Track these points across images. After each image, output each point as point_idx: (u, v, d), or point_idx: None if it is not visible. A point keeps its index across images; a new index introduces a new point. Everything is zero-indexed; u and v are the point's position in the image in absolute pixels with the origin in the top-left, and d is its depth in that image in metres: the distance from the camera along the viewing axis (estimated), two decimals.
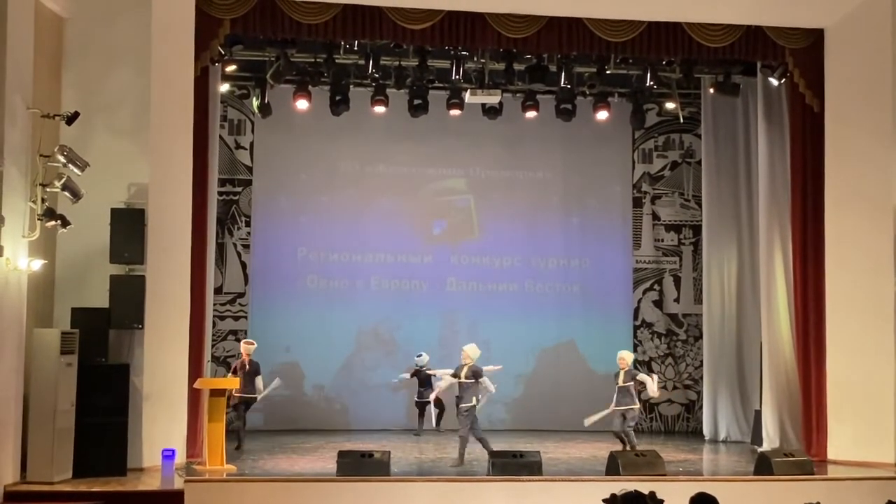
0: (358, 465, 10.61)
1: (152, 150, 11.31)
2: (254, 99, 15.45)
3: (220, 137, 14.92)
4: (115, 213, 10.98)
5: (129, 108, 11.32)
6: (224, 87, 14.50)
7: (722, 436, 15.54)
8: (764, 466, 11.26)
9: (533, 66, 14.81)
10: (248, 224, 16.28)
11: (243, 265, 16.22)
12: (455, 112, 15.37)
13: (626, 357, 12.97)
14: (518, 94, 15.73)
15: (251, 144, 16.38)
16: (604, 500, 6.00)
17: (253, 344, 13.80)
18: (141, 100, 11.30)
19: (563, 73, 14.72)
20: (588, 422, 12.89)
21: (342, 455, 10.81)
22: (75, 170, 10.11)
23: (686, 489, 6.57)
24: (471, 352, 12.55)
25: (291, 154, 16.38)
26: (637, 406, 12.84)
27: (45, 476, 9.87)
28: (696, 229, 16.99)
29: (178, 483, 10.17)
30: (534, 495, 10.42)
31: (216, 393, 11.46)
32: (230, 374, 13.47)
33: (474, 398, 12.25)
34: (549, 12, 12.72)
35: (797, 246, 13.37)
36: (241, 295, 16.16)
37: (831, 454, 12.65)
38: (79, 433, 10.32)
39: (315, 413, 16.16)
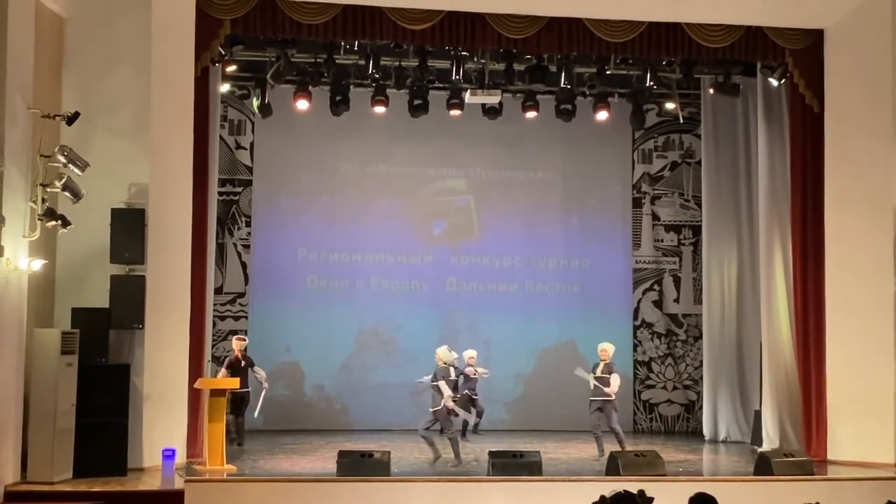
0: (358, 465, 10.60)
1: (152, 150, 11.31)
2: (254, 99, 15.45)
3: (221, 137, 14.92)
4: (115, 213, 10.98)
5: (129, 108, 11.32)
6: (224, 88, 14.50)
7: (722, 436, 15.55)
8: (764, 467, 11.26)
9: (533, 67, 14.82)
10: (248, 224, 16.28)
11: (243, 265, 16.22)
12: (455, 112, 15.38)
13: (609, 349, 13.04)
14: (518, 95, 15.74)
15: (251, 144, 16.38)
16: None
17: (245, 340, 13.87)
18: (141, 100, 11.30)
19: (563, 74, 14.73)
20: (578, 371, 13.14)
21: (342, 455, 10.80)
22: (75, 170, 10.11)
23: (686, 489, 6.57)
24: (441, 354, 12.54)
25: (291, 154, 16.38)
26: (613, 399, 12.84)
27: (46, 476, 9.87)
28: (696, 229, 16.99)
29: (178, 483, 10.17)
30: (534, 495, 10.42)
31: (216, 393, 11.46)
32: (223, 370, 13.47)
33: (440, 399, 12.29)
34: (549, 12, 12.72)
35: (797, 246, 13.37)
36: (241, 295, 16.16)
37: (831, 454, 12.65)
38: (79, 433, 10.32)
39: (315, 413, 16.16)
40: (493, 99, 15.29)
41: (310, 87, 14.90)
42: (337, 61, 14.36)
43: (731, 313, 15.84)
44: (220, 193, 15.20)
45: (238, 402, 13.42)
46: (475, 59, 14.76)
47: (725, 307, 15.87)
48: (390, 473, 10.69)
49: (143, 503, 10.03)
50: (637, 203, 17.26)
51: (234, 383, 12.07)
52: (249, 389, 13.57)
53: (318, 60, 14.48)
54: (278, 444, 13.91)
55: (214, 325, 14.82)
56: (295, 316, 16.14)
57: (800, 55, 13.21)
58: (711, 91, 15.56)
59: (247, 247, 16.26)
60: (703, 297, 16.17)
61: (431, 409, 12.29)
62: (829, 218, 13.02)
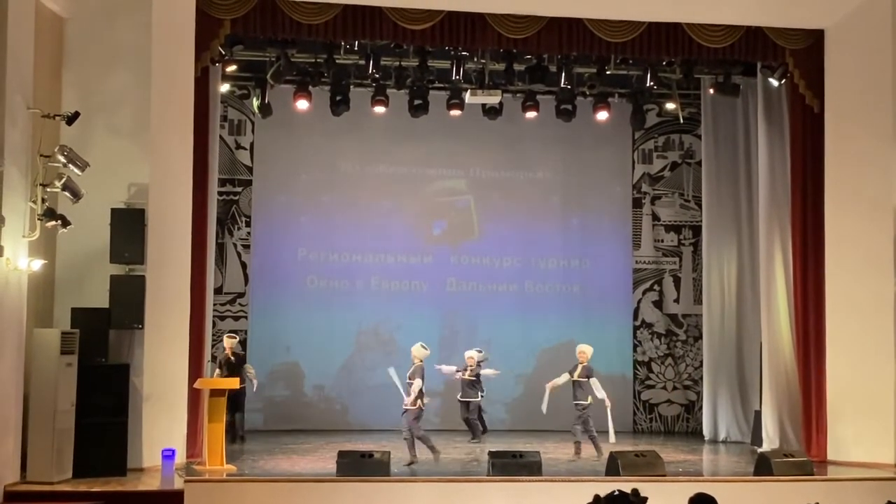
0: (358, 466, 10.60)
1: (152, 150, 11.31)
2: (254, 99, 15.46)
3: (221, 137, 14.91)
4: (115, 213, 10.98)
5: (129, 108, 11.32)
6: (224, 88, 14.50)
7: (722, 436, 15.55)
8: (764, 467, 11.26)
9: (533, 67, 14.82)
10: (248, 224, 16.28)
11: (243, 265, 16.22)
12: (455, 112, 15.37)
13: (587, 351, 13.02)
14: (518, 95, 15.73)
15: (251, 144, 16.37)
16: None
17: (235, 338, 13.92)
18: (141, 100, 11.30)
19: (563, 74, 14.72)
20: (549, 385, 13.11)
21: (342, 455, 10.80)
22: (75, 170, 10.11)
23: (686, 490, 6.57)
24: (415, 351, 12.55)
25: (291, 154, 16.37)
26: (588, 402, 12.79)
27: (46, 476, 9.87)
28: (696, 230, 16.99)
29: (178, 483, 10.18)
30: (533, 495, 10.42)
31: (216, 393, 11.46)
32: (217, 371, 13.52)
33: (407, 399, 12.35)
34: (550, 13, 12.72)
35: (797, 246, 13.37)
36: (241, 295, 16.16)
37: (831, 455, 12.65)
38: (79, 433, 10.32)
39: (315, 413, 16.16)
40: (493, 99, 15.29)
41: (310, 87, 14.90)
42: (337, 61, 14.35)
43: (731, 313, 15.84)
44: (220, 193, 15.20)
45: (233, 399, 13.43)
46: (475, 59, 14.76)
47: (725, 307, 15.87)
48: (390, 473, 10.70)
49: (143, 503, 10.03)
50: (637, 203, 17.26)
51: (234, 383, 12.07)
52: (245, 386, 13.60)
53: (318, 60, 14.48)
54: (278, 444, 13.91)
55: (214, 325, 14.80)
56: (295, 316, 16.14)
57: (800, 55, 13.21)
58: (711, 91, 15.56)
59: (247, 247, 16.26)
60: (703, 297, 16.18)
61: (405, 406, 12.33)
62: (829, 218, 13.02)
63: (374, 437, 14.60)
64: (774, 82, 13.85)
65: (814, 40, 13.18)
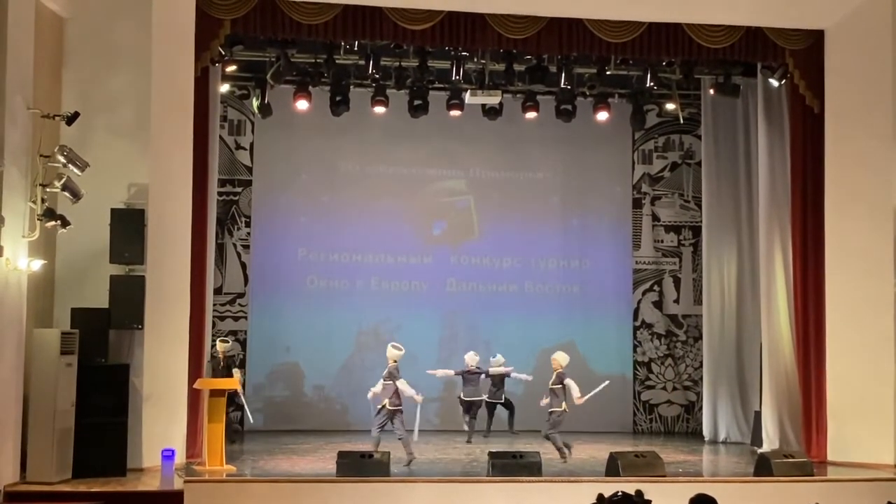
0: (358, 466, 10.60)
1: (152, 150, 11.31)
2: (254, 99, 15.45)
3: (220, 138, 14.91)
4: (115, 213, 10.98)
5: (129, 108, 11.32)
6: (224, 88, 14.49)
7: (722, 437, 15.54)
8: (764, 467, 11.26)
9: (533, 67, 14.81)
10: (248, 224, 16.27)
11: (243, 265, 16.22)
12: (455, 113, 15.37)
13: (559, 359, 12.97)
14: (518, 95, 15.73)
15: (251, 145, 16.37)
16: None
17: (227, 342, 13.90)
18: (141, 100, 11.30)
19: (563, 74, 14.72)
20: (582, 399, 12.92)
21: (342, 455, 10.80)
22: (75, 170, 10.11)
23: (686, 490, 6.57)
24: (388, 353, 12.60)
25: (291, 154, 16.37)
26: (561, 409, 12.76)
27: (45, 476, 9.87)
28: (696, 230, 16.99)
29: (177, 483, 10.17)
30: (533, 496, 10.42)
31: (216, 393, 11.45)
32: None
33: (386, 400, 12.34)
34: (550, 13, 12.72)
35: (797, 247, 13.37)
36: (241, 295, 16.15)
37: (831, 455, 12.64)
38: (79, 433, 10.31)
39: (315, 413, 16.15)
40: (493, 99, 15.29)
41: (310, 87, 14.89)
42: (337, 61, 14.35)
43: (731, 314, 15.83)
44: (220, 193, 15.20)
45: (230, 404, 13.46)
46: (475, 60, 14.76)
47: (725, 308, 15.87)
48: (390, 474, 10.70)
49: (143, 503, 10.02)
50: (637, 203, 17.26)
51: (235, 384, 12.07)
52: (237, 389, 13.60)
53: (318, 60, 14.48)
54: (278, 444, 13.91)
55: (214, 325, 14.81)
56: (295, 316, 16.13)
57: (800, 56, 13.21)
58: (712, 92, 15.55)
59: (247, 247, 16.25)
60: (703, 297, 16.17)
61: (378, 406, 12.42)
62: (830, 219, 13.02)
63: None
64: (774, 83, 13.85)
65: (814, 41, 13.18)
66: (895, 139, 12.53)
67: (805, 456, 11.97)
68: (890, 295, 12.43)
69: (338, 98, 14.96)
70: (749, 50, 13.21)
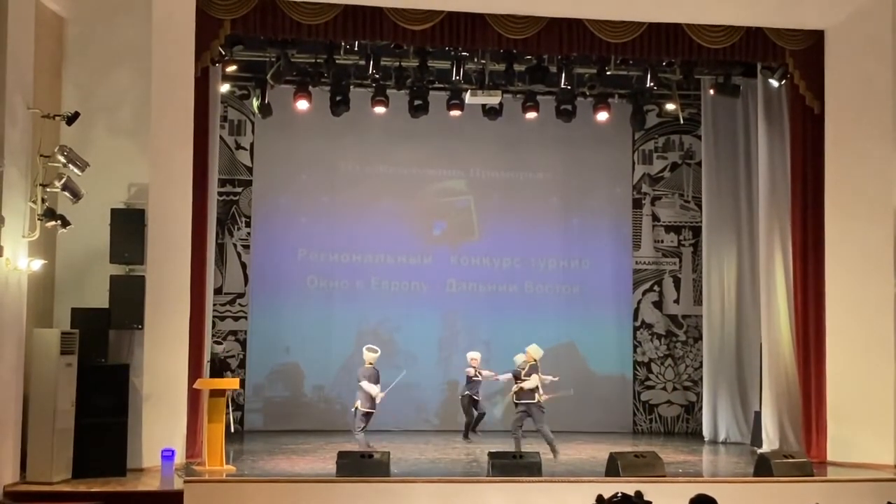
0: (358, 466, 10.60)
1: (152, 150, 11.31)
2: (254, 99, 15.45)
3: (221, 138, 14.91)
4: (115, 213, 10.98)
5: (129, 108, 11.32)
6: (224, 88, 14.49)
7: (721, 437, 15.54)
8: (763, 468, 11.25)
9: (533, 67, 14.81)
10: (248, 224, 16.27)
11: (243, 265, 16.22)
12: (455, 113, 15.37)
13: (533, 352, 13.01)
14: (518, 95, 15.73)
15: (251, 145, 16.37)
16: None
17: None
18: (141, 100, 11.30)
19: (563, 74, 14.71)
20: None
21: (342, 456, 10.80)
22: (75, 170, 10.11)
23: (685, 490, 6.58)
24: (364, 354, 12.81)
25: (291, 154, 16.37)
26: (533, 402, 12.82)
27: (45, 476, 9.87)
28: (696, 230, 16.99)
29: (177, 483, 10.17)
30: (533, 496, 10.41)
31: (216, 393, 11.46)
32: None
33: (358, 401, 12.60)
34: (550, 13, 12.72)
35: (797, 247, 13.38)
36: (241, 295, 16.15)
37: (831, 456, 12.65)
38: (78, 433, 10.31)
39: (315, 413, 16.15)
40: (493, 99, 15.29)
41: (310, 87, 14.89)
42: (337, 61, 14.35)
43: (731, 314, 15.83)
44: (220, 193, 15.20)
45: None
46: (475, 60, 14.75)
47: (725, 308, 15.87)
48: (390, 474, 10.68)
49: (143, 503, 10.02)
50: (637, 204, 17.26)
51: (235, 384, 12.07)
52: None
53: (318, 60, 14.48)
54: (278, 444, 13.91)
55: (214, 325, 14.82)
56: (295, 316, 16.13)
57: (800, 56, 13.21)
58: (712, 92, 15.55)
59: (247, 247, 16.25)
60: (702, 298, 16.17)
61: (356, 408, 12.60)
62: (830, 219, 13.02)
63: (373, 437, 14.56)
64: (774, 83, 13.85)
65: (814, 41, 13.18)
66: (895, 139, 12.53)
67: (805, 456, 11.97)
68: (890, 295, 12.44)
69: (338, 98, 14.96)
70: (749, 50, 13.20)
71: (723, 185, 15.97)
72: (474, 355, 14.43)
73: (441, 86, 15.28)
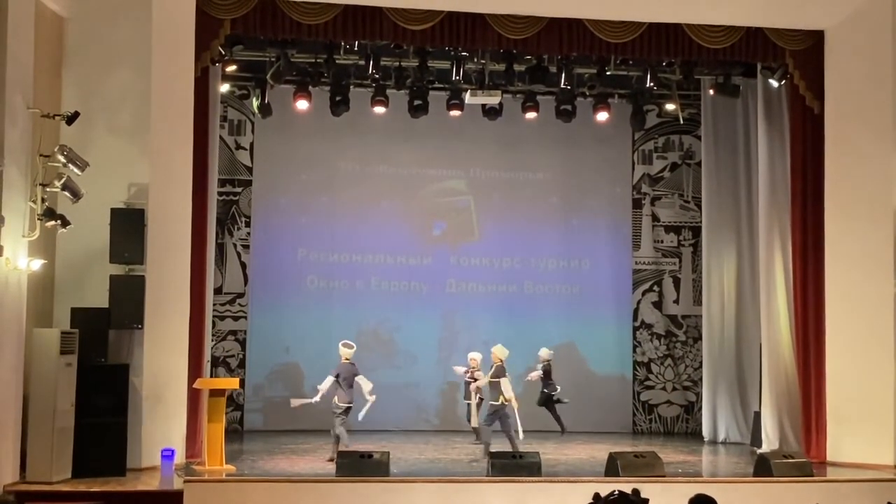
0: (357, 466, 10.60)
1: (152, 150, 11.31)
2: (254, 99, 15.45)
3: (220, 138, 14.92)
4: (115, 213, 10.98)
5: (129, 108, 11.32)
6: (224, 88, 14.50)
7: (721, 437, 15.54)
8: (763, 468, 11.26)
9: (533, 67, 14.81)
10: (248, 224, 16.27)
11: (243, 265, 16.22)
12: (455, 113, 15.37)
13: (497, 352, 13.06)
14: (518, 95, 15.73)
15: (251, 145, 16.37)
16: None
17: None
18: (141, 100, 11.31)
19: (563, 74, 14.71)
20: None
21: (341, 455, 10.81)
22: (75, 170, 10.11)
23: (685, 490, 6.58)
24: (340, 351, 12.81)
25: (291, 154, 16.37)
26: (497, 403, 12.83)
27: (45, 476, 9.87)
28: (696, 231, 16.99)
29: (177, 483, 10.18)
30: (533, 496, 10.42)
31: (216, 393, 11.46)
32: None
33: (335, 398, 12.65)
34: (550, 13, 12.73)
35: (797, 247, 13.38)
36: (241, 295, 16.15)
37: (830, 456, 12.65)
38: (78, 433, 10.32)
39: (315, 413, 16.03)
40: (493, 99, 15.29)
41: (310, 87, 14.89)
42: (337, 61, 14.35)
43: (731, 314, 15.83)
44: (220, 193, 15.20)
45: None
46: (475, 60, 14.75)
47: (725, 308, 15.87)
48: (389, 474, 10.69)
49: (143, 503, 10.02)
50: (637, 204, 17.26)
51: (234, 383, 12.07)
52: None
53: (318, 60, 14.48)
54: (278, 444, 13.92)
55: (214, 325, 14.82)
56: (295, 316, 16.12)
57: (800, 56, 13.21)
58: (711, 92, 15.55)
59: (246, 247, 16.25)
60: (702, 298, 16.17)
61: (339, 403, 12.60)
62: (829, 219, 13.02)
63: (373, 437, 14.58)
64: (774, 83, 13.85)
65: (814, 41, 13.18)
66: (895, 139, 12.53)
67: (804, 456, 11.99)
68: (890, 295, 12.44)
69: (338, 98, 14.95)
70: (749, 50, 13.21)
71: (723, 185, 15.97)
72: (474, 356, 14.42)
73: (441, 86, 15.28)
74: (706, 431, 15.71)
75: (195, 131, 12.03)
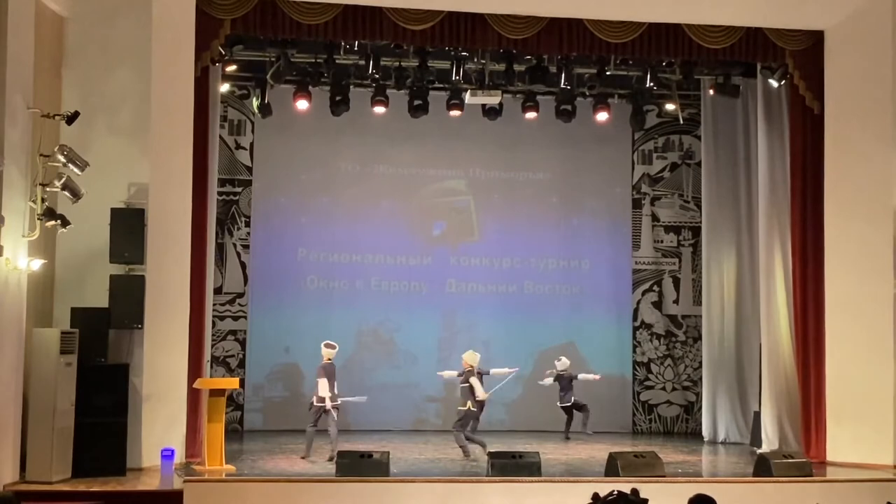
0: (357, 466, 10.61)
1: (152, 150, 11.32)
2: (254, 99, 15.45)
3: (220, 137, 14.91)
4: (115, 213, 10.99)
5: (129, 108, 11.33)
6: (224, 88, 14.50)
7: (721, 437, 15.54)
8: (763, 468, 11.26)
9: (533, 67, 14.81)
10: (248, 224, 16.27)
11: (243, 265, 16.21)
12: (455, 113, 15.36)
13: (467, 358, 13.14)
14: (518, 95, 15.73)
15: (251, 145, 16.37)
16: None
17: None
18: (141, 100, 11.32)
19: (563, 75, 14.71)
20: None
21: (341, 455, 10.81)
22: (75, 170, 10.12)
23: (685, 490, 6.58)
24: (322, 351, 12.86)
25: (291, 154, 16.37)
26: (465, 408, 12.90)
27: (44, 476, 9.88)
28: (696, 231, 16.99)
29: (177, 483, 10.18)
30: (533, 496, 10.42)
31: (215, 393, 11.46)
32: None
33: (314, 397, 12.70)
34: (550, 13, 12.73)
35: (797, 247, 13.38)
36: (241, 295, 16.15)
37: (830, 456, 12.65)
38: (78, 433, 10.33)
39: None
40: (493, 99, 15.29)
41: (310, 87, 14.89)
42: (337, 61, 14.35)
43: (731, 314, 15.83)
44: (220, 193, 15.20)
45: None
46: (475, 60, 14.76)
47: (725, 308, 15.87)
48: (389, 474, 10.70)
49: (142, 503, 10.03)
50: (637, 204, 17.26)
51: (234, 383, 12.07)
52: None
53: (318, 60, 14.48)
54: (278, 444, 13.91)
55: (214, 325, 14.81)
56: (294, 316, 16.11)
57: (800, 56, 13.22)
58: (711, 92, 15.56)
59: (246, 247, 16.25)
60: (702, 298, 16.17)
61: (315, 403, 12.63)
62: (829, 219, 13.02)
63: (373, 437, 14.60)
64: (774, 83, 13.85)
65: (814, 41, 13.19)
66: (895, 139, 12.53)
67: (804, 456, 12.00)
68: (889, 295, 12.44)
69: (338, 98, 14.95)
70: (749, 50, 13.21)
71: (722, 186, 15.97)
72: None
73: (441, 86, 15.28)
74: (706, 431, 15.71)
75: (195, 131, 12.03)
